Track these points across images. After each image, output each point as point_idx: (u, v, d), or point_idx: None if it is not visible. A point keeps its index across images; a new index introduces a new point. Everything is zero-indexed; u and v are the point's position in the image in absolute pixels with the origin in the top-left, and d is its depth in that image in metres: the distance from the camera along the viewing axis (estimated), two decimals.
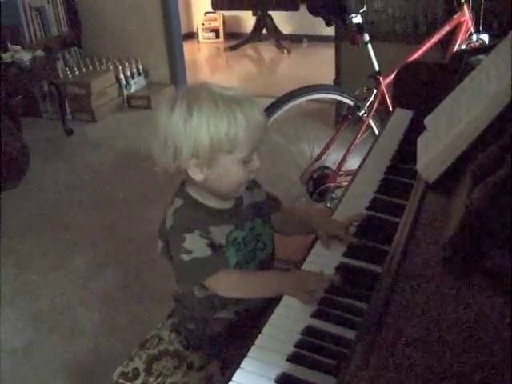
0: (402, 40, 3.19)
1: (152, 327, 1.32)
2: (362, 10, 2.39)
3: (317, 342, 0.90)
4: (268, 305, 1.01)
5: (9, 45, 3.55)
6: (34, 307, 2.19)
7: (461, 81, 1.24)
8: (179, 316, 1.26)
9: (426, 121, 1.25)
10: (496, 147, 0.92)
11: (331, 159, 2.49)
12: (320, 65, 4.90)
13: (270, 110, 2.22)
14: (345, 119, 2.50)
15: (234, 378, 0.86)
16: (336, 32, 3.40)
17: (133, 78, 4.31)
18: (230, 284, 1.08)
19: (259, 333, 0.93)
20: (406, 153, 1.44)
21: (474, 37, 2.66)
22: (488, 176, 0.84)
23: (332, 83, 3.45)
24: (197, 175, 1.04)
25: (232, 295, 1.10)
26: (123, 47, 4.37)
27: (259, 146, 1.05)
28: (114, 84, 4.20)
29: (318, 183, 2.41)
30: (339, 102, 2.64)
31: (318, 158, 2.48)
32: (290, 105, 2.31)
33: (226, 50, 5.92)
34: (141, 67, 4.37)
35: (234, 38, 6.16)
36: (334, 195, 2.39)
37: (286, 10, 5.75)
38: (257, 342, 0.92)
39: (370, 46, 2.43)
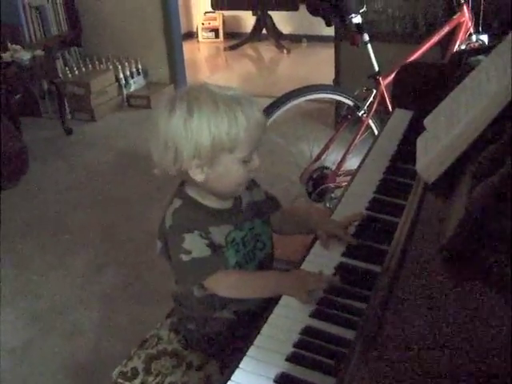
0: (401, 40, 3.19)
1: (151, 327, 1.31)
2: (361, 10, 2.39)
3: (316, 342, 0.90)
4: (267, 305, 1.01)
5: (8, 44, 3.55)
6: (34, 307, 2.19)
7: (460, 81, 1.24)
8: (178, 316, 1.26)
9: (426, 121, 1.25)
10: (496, 147, 0.92)
11: (331, 159, 2.49)
12: (319, 65, 4.90)
13: (269, 109, 2.22)
14: (344, 119, 2.50)
15: (232, 377, 0.86)
16: (336, 32, 3.40)
17: (132, 77, 4.31)
18: (229, 284, 1.08)
19: (258, 333, 0.93)
20: (405, 153, 1.44)
21: (474, 37, 2.66)
22: (488, 176, 0.84)
23: (331, 83, 3.45)
24: (198, 176, 1.04)
25: (231, 295, 1.10)
26: (123, 47, 4.37)
27: (259, 145, 1.06)
28: (114, 83, 4.20)
29: (318, 183, 2.41)
30: (339, 102, 2.65)
31: (318, 158, 2.47)
32: (289, 105, 2.31)
33: (225, 49, 5.92)
34: (140, 67, 4.37)
35: (234, 38, 6.16)
36: (333, 195, 2.39)
37: (286, 10, 5.75)
38: (256, 341, 0.92)
39: (369, 46, 2.43)
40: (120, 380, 1.20)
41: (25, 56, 3.47)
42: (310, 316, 0.96)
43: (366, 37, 2.41)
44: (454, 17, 2.63)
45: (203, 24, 6.27)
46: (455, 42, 2.62)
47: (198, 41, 6.35)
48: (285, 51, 5.65)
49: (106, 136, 3.80)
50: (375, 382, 0.67)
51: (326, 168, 2.44)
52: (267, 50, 5.87)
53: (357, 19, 2.39)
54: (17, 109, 3.45)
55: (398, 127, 1.62)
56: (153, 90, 4.31)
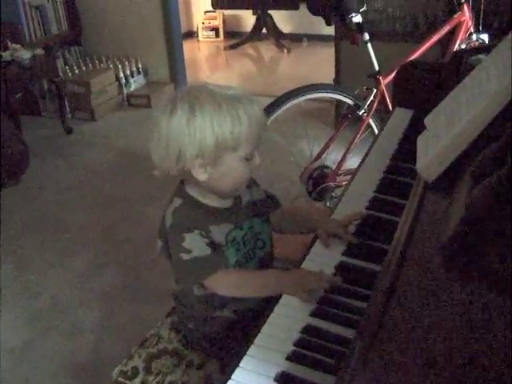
0: (401, 39, 3.19)
1: (151, 326, 1.31)
2: (362, 10, 2.39)
3: (316, 341, 0.90)
4: (267, 304, 1.01)
5: (9, 43, 3.55)
6: (34, 306, 2.19)
7: (460, 80, 1.24)
8: (178, 315, 1.27)
9: (426, 120, 1.25)
10: (496, 147, 0.92)
11: (331, 158, 2.49)
12: (320, 64, 4.90)
13: (269, 109, 2.22)
14: (344, 118, 2.50)
15: (233, 376, 0.86)
16: (336, 31, 3.40)
17: (132, 76, 4.31)
18: (229, 283, 1.08)
19: (258, 332, 0.93)
20: (405, 152, 1.44)
21: (474, 36, 2.66)
22: (488, 176, 0.84)
23: (332, 82, 3.45)
24: (201, 175, 1.04)
25: (231, 294, 1.10)
26: (123, 46, 4.37)
27: (259, 143, 1.06)
28: (114, 83, 4.20)
29: (318, 182, 2.41)
30: (339, 102, 2.64)
31: (318, 157, 2.48)
32: (289, 104, 2.31)
33: (225, 48, 5.92)
34: (140, 66, 4.37)
35: (234, 37, 6.16)
36: (333, 194, 2.39)
37: (286, 9, 5.75)
38: (256, 340, 0.92)
39: (369, 45, 2.43)
40: (120, 379, 1.20)
41: (25, 55, 3.47)
42: (310, 315, 0.96)
43: (367, 36, 2.41)
44: (455, 16, 2.62)
45: (203, 23, 6.27)
46: (455, 41, 2.62)
47: (198, 40, 6.35)
48: (285, 50, 5.64)
49: (106, 135, 3.80)
50: (375, 380, 0.67)
51: (327, 167, 2.44)
52: (267, 50, 5.87)
53: (357, 18, 2.38)
54: (17, 108, 3.45)
55: (398, 126, 1.62)
56: (153, 89, 4.31)
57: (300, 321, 0.95)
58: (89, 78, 3.99)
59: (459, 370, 0.65)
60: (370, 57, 2.43)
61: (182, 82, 4.36)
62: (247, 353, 0.89)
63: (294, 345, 0.90)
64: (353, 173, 1.44)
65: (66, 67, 4.12)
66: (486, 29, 2.71)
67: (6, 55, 3.41)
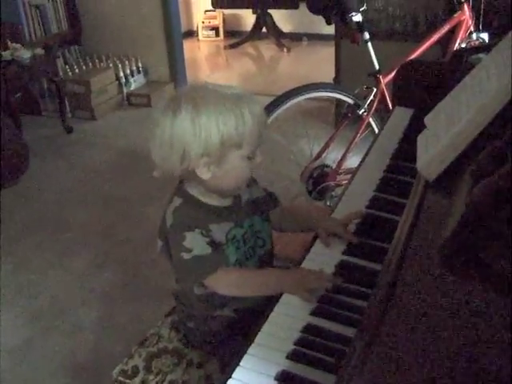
0: (401, 38, 3.19)
1: (151, 325, 1.32)
2: (362, 9, 2.39)
3: (317, 340, 0.90)
4: (267, 303, 1.01)
5: (9, 42, 3.55)
6: (34, 306, 2.19)
7: (461, 79, 1.24)
8: (179, 314, 1.27)
9: (426, 119, 1.25)
10: (496, 145, 0.92)
11: (331, 157, 2.49)
12: (320, 63, 4.90)
13: (269, 108, 2.22)
14: (345, 118, 2.50)
15: (233, 375, 0.86)
16: (336, 30, 3.40)
17: (132, 75, 4.31)
18: (229, 282, 1.08)
19: (259, 330, 0.93)
20: (405, 151, 1.44)
21: (474, 35, 2.66)
22: (488, 174, 0.84)
23: (332, 81, 3.45)
24: (204, 174, 1.04)
25: (232, 293, 1.10)
26: (123, 45, 4.36)
27: (261, 141, 1.07)
28: (114, 82, 4.20)
29: (318, 181, 2.41)
30: (339, 101, 2.64)
31: (318, 156, 2.48)
32: (289, 103, 2.31)
33: (225, 48, 5.92)
34: (140, 65, 4.37)
35: (234, 37, 6.16)
36: (333, 193, 2.39)
37: (286, 8, 5.75)
38: (256, 339, 0.92)
39: (369, 44, 2.43)
40: (121, 378, 1.20)
41: (25, 54, 3.47)
42: (310, 314, 0.96)
43: (367, 35, 2.41)
44: (455, 15, 2.62)
45: (203, 22, 6.26)
46: (455, 40, 2.62)
47: (198, 39, 6.35)
48: (285, 49, 5.64)
49: (107, 135, 3.79)
50: (375, 379, 0.67)
51: (327, 166, 2.44)
52: (267, 49, 5.86)
53: (357, 17, 2.38)
54: (17, 107, 3.45)
55: (398, 125, 1.62)
56: (153, 88, 4.31)
57: (300, 320, 0.95)
58: (89, 78, 3.99)
59: (459, 369, 0.65)
60: (370, 56, 2.43)
61: (182, 81, 4.36)
62: (248, 352, 0.89)
63: (295, 344, 0.90)
64: (353, 172, 1.44)
65: (66, 66, 4.12)
66: (486, 28, 2.71)
67: (6, 55, 3.41)
